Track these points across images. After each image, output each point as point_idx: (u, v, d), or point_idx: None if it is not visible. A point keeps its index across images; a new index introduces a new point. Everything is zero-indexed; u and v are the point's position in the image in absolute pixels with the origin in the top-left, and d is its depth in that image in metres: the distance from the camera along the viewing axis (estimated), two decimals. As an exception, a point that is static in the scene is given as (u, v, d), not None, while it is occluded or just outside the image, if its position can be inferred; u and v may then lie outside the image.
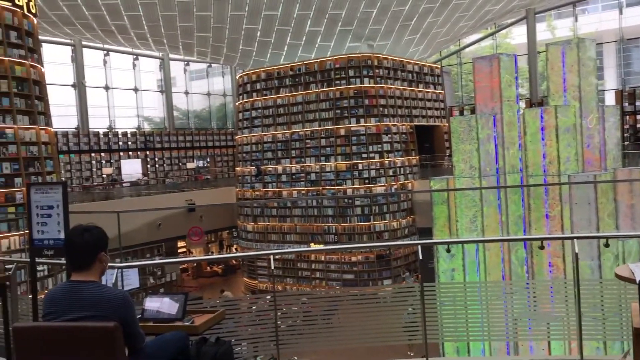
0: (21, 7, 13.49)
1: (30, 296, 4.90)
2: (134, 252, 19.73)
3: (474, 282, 7.82)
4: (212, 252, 27.92)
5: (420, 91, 23.88)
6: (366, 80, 21.50)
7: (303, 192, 22.31)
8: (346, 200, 21.54)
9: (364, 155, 21.38)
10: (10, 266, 4.43)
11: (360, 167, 21.44)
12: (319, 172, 21.95)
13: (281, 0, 19.74)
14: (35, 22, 14.54)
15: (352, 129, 21.49)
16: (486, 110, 8.94)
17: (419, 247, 4.68)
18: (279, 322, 4.65)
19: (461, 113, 27.51)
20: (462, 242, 8.34)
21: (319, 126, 21.97)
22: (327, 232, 21.58)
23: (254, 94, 23.59)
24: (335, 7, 20.76)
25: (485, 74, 9.00)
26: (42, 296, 4.20)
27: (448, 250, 8.00)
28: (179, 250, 25.43)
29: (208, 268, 27.30)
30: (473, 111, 11.35)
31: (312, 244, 21.53)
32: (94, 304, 2.67)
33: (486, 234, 8.49)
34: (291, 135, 22.62)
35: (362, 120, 21.39)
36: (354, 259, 21.01)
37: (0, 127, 12.73)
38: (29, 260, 3.91)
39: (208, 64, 34.89)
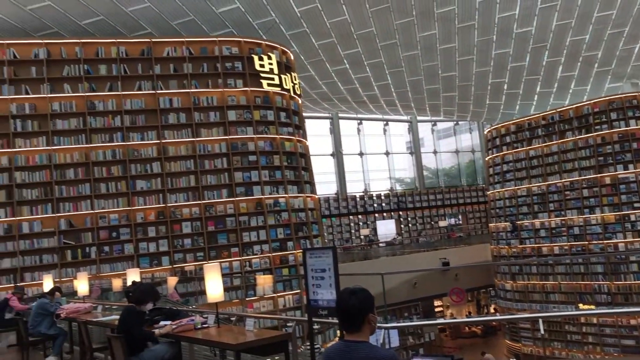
0: (288, 91, 15.44)
1: (302, 350, 5.36)
2: (392, 310, 20.24)
3: None
4: (470, 312, 27.19)
5: None
6: (632, 122, 19.66)
7: (565, 247, 20.77)
8: (618, 255, 19.37)
9: (637, 205, 19.25)
10: (290, 324, 4.93)
11: (633, 217, 19.28)
12: (582, 225, 20.37)
13: (528, 50, 19.12)
14: (300, 101, 16.44)
15: (620, 176, 19.59)
16: None
17: None
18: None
19: None
20: None
21: (579, 176, 20.56)
22: (598, 291, 19.57)
23: (504, 147, 23.13)
24: (589, 48, 19.37)
25: None
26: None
27: None
28: (436, 310, 25.29)
29: (466, 328, 26.58)
30: None
31: (580, 305, 19.69)
32: (366, 363, 2.81)
33: None
34: (547, 188, 21.49)
35: (630, 166, 19.46)
36: (633, 322, 18.59)
37: (275, 197, 14.46)
38: (306, 319, 4.31)
39: (455, 122, 35.16)
